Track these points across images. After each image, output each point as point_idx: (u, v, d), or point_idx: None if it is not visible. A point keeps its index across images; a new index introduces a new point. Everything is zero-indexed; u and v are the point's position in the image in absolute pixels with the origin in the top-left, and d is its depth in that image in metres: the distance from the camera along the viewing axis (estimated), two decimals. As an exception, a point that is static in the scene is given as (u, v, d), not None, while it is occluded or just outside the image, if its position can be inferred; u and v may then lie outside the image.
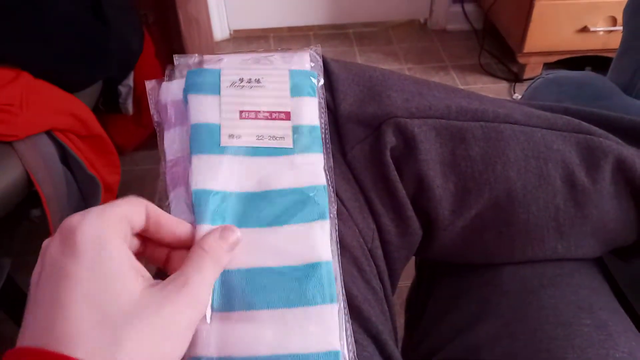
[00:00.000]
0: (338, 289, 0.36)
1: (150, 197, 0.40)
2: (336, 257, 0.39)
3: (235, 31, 2.20)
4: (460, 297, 0.53)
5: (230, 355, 0.32)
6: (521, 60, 1.83)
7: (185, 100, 0.39)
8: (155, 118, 0.40)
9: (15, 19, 0.96)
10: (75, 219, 0.28)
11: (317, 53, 0.45)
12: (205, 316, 0.32)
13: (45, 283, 0.27)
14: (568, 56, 1.82)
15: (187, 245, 0.34)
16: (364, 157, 0.46)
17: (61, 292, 0.26)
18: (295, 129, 0.39)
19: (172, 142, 0.39)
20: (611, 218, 0.48)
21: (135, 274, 0.28)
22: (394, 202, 0.46)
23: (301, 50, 0.45)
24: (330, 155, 0.42)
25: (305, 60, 0.45)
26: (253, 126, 0.38)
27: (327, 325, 0.34)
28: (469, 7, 2.14)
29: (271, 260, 0.35)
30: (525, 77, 1.88)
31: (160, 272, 0.37)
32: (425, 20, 2.26)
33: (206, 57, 0.46)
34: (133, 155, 1.54)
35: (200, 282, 0.29)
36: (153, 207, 0.33)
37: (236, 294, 0.33)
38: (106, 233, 0.28)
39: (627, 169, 0.46)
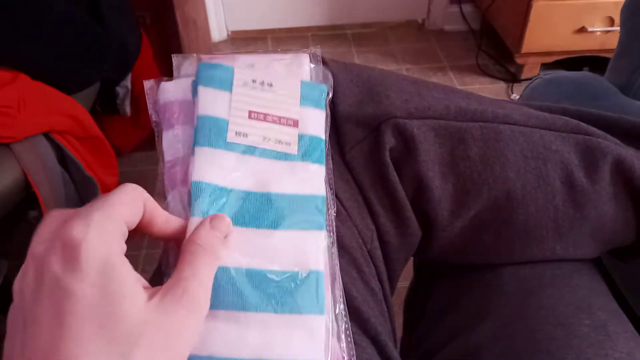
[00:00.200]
0: (336, 294, 0.36)
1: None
2: (335, 258, 0.39)
3: (233, 32, 2.20)
4: (460, 298, 0.53)
5: (211, 355, 0.31)
6: (519, 60, 1.83)
7: (195, 92, 0.39)
8: (154, 118, 0.40)
9: (13, 20, 0.96)
10: (76, 231, 0.26)
11: (316, 54, 0.45)
12: None
13: (47, 301, 0.25)
14: (566, 56, 1.83)
15: (179, 239, 0.33)
16: (363, 158, 0.46)
17: (66, 313, 0.25)
18: (301, 138, 0.39)
19: (170, 142, 0.39)
20: (610, 219, 0.48)
21: (139, 289, 0.27)
22: (393, 202, 0.46)
23: (300, 52, 0.45)
24: (330, 165, 0.42)
25: (305, 62, 0.45)
26: (261, 127, 0.38)
27: (313, 335, 0.33)
28: (467, 8, 2.15)
29: (264, 262, 0.34)
30: (523, 77, 1.88)
31: (158, 271, 0.37)
32: (422, 20, 2.26)
33: (204, 57, 0.45)
34: (131, 156, 1.54)
35: (198, 286, 0.29)
36: (150, 202, 0.31)
37: (225, 293, 0.32)
38: (112, 249, 0.27)
39: (625, 169, 0.46)
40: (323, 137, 0.41)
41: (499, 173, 0.46)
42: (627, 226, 0.49)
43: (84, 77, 1.12)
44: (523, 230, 0.48)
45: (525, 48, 1.76)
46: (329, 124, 0.42)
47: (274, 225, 0.36)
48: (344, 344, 0.37)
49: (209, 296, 0.30)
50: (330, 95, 0.44)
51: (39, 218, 0.97)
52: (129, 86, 1.30)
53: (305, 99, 0.41)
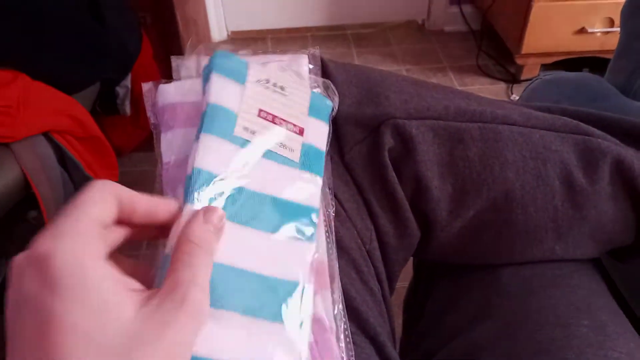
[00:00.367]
0: (335, 295, 0.36)
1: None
2: (334, 258, 0.39)
3: (233, 32, 2.20)
4: (459, 298, 0.53)
5: (202, 356, 0.30)
6: (519, 61, 1.83)
7: (206, 78, 0.38)
8: (152, 120, 0.40)
9: (13, 21, 0.96)
10: (46, 244, 0.24)
11: (315, 55, 0.45)
12: None
13: (30, 322, 0.23)
14: (565, 57, 1.83)
15: (168, 226, 0.31)
16: (362, 159, 0.46)
17: (51, 334, 0.23)
18: (305, 147, 0.39)
19: (169, 144, 0.39)
20: (609, 219, 0.48)
21: (126, 295, 0.25)
22: (392, 203, 0.46)
23: (299, 53, 0.45)
24: (329, 166, 0.42)
25: (304, 63, 0.45)
26: (268, 128, 0.38)
27: (291, 347, 0.32)
28: (467, 8, 2.15)
29: (253, 263, 0.33)
30: (522, 78, 1.88)
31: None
32: (423, 21, 2.26)
33: (204, 57, 0.46)
34: (131, 156, 1.54)
35: (200, 291, 0.26)
36: (126, 192, 0.29)
37: (212, 289, 0.30)
38: (86, 258, 0.24)
39: (625, 169, 0.46)
40: (324, 150, 0.41)
41: (498, 173, 0.46)
42: (626, 226, 0.49)
43: (84, 77, 1.12)
44: (522, 231, 0.48)
45: (525, 49, 1.76)
46: (329, 139, 0.42)
47: (269, 228, 0.35)
48: (342, 344, 0.37)
49: (209, 300, 0.28)
50: (335, 112, 0.44)
51: (39, 218, 0.97)
52: (129, 86, 1.30)
53: (313, 110, 0.41)
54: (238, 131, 0.36)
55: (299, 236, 0.36)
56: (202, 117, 0.36)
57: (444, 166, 0.46)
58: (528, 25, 1.70)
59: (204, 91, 0.37)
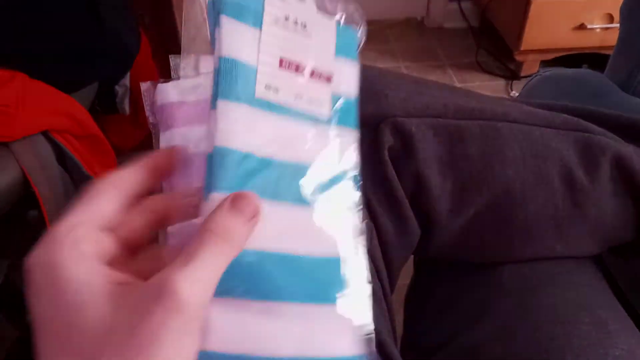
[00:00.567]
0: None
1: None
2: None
3: (232, 30, 2.19)
4: (460, 296, 0.53)
5: (245, 353, 0.26)
6: (518, 57, 1.83)
7: (214, 22, 0.31)
8: (151, 120, 0.40)
9: (11, 19, 0.96)
10: (35, 248, 0.24)
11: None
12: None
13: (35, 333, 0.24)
14: (565, 54, 1.82)
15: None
16: (362, 157, 0.46)
17: (36, 335, 0.23)
18: (335, 98, 0.33)
19: (168, 144, 0.38)
20: (610, 216, 0.48)
21: (99, 291, 0.23)
22: (392, 201, 0.46)
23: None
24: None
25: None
26: (293, 81, 0.31)
27: (350, 327, 0.29)
28: (466, 5, 2.14)
29: (298, 245, 0.29)
30: (522, 74, 1.88)
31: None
32: (422, 18, 2.25)
33: (203, 56, 0.45)
34: (131, 155, 1.54)
35: (188, 282, 0.22)
36: (126, 178, 0.27)
37: (256, 280, 0.27)
38: (51, 261, 0.23)
39: (625, 166, 0.46)
40: (355, 97, 0.34)
41: (498, 171, 0.46)
42: (626, 223, 0.49)
43: (83, 76, 1.11)
44: (523, 228, 0.48)
45: (524, 45, 1.76)
46: (357, 81, 0.36)
47: (305, 202, 0.30)
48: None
49: (208, 294, 0.24)
50: (362, 43, 0.36)
51: (39, 217, 0.97)
52: (128, 85, 1.29)
53: (340, 48, 0.33)
54: (260, 91, 0.30)
55: (341, 207, 0.31)
56: (215, 77, 0.30)
57: (444, 164, 0.46)
58: (527, 21, 1.70)
59: (214, 40, 0.31)
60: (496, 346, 0.45)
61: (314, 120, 0.32)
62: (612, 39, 0.78)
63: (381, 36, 2.17)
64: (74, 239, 0.24)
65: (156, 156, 0.29)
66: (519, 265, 0.50)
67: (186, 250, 0.24)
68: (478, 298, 0.51)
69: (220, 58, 0.30)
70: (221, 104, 0.29)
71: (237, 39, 0.30)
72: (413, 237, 0.48)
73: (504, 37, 1.91)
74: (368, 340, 0.30)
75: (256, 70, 0.30)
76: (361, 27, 0.37)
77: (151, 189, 0.28)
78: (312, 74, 0.32)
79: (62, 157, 1.00)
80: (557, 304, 0.46)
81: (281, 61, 0.31)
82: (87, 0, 1.07)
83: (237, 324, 0.27)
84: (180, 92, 0.41)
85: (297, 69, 0.32)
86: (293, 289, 0.28)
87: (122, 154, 1.49)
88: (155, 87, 0.41)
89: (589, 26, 1.70)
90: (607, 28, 1.72)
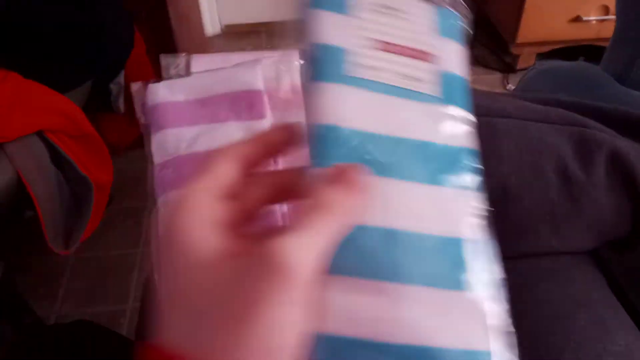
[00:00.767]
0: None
1: (144, 197, 0.40)
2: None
3: (227, 26, 2.19)
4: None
5: (362, 337, 0.25)
6: (514, 51, 1.82)
7: (303, 16, 0.32)
8: (142, 121, 0.40)
9: (2, 19, 0.95)
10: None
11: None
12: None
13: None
14: (561, 46, 1.82)
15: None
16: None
17: (159, 293, 0.26)
18: (443, 77, 0.32)
19: (160, 145, 0.38)
20: (606, 210, 0.48)
21: (213, 255, 0.24)
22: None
23: (290, 48, 0.44)
24: None
25: (295, 58, 0.44)
26: (390, 61, 0.31)
27: (478, 318, 0.27)
28: (462, -2, 2.13)
29: (414, 223, 0.28)
30: (518, 67, 1.87)
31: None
32: (417, 12, 2.25)
33: (194, 56, 0.45)
34: (127, 153, 1.53)
35: (285, 249, 0.22)
36: (242, 149, 0.28)
37: (373, 259, 0.26)
38: (176, 222, 0.25)
39: (621, 161, 0.46)
40: (466, 77, 0.33)
41: (494, 167, 0.45)
42: (622, 218, 0.49)
43: (76, 75, 1.11)
44: (518, 224, 0.47)
45: (520, 38, 1.76)
46: (466, 62, 0.34)
47: (420, 178, 0.29)
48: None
49: (317, 266, 0.23)
50: (467, 32, 0.36)
51: (35, 218, 0.96)
52: (123, 83, 1.29)
53: (443, 30, 0.33)
54: (352, 70, 0.30)
55: (456, 184, 0.30)
56: (309, 62, 0.30)
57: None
58: (523, 14, 1.69)
59: (303, 31, 0.32)
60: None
61: (419, 98, 0.31)
62: (608, 31, 0.77)
63: (377, 30, 2.16)
64: (194, 204, 0.25)
65: (273, 131, 0.29)
66: (515, 261, 0.50)
67: (294, 221, 0.23)
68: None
69: (313, 45, 0.30)
70: (320, 84, 0.29)
71: (329, 26, 0.31)
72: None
73: (499, 31, 1.91)
74: (505, 334, 0.27)
75: (351, 53, 0.30)
76: (465, 12, 0.36)
77: (264, 164, 0.29)
78: (410, 53, 0.31)
79: (56, 157, 0.99)
80: (554, 300, 0.46)
81: (376, 42, 0.31)
82: (80, -2, 1.06)
83: (354, 306, 0.25)
84: (171, 92, 0.40)
85: (395, 49, 0.31)
86: (412, 270, 0.26)
87: (118, 153, 1.49)
88: (146, 87, 0.40)
89: (584, 18, 1.70)
90: (602, 20, 1.72)
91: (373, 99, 0.30)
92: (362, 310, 0.25)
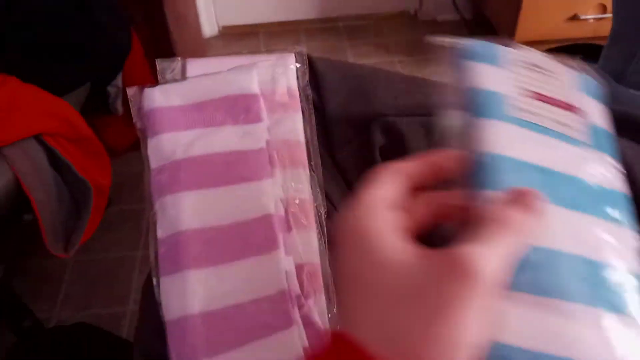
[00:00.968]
0: (331, 297, 0.35)
1: (143, 199, 0.40)
2: (327, 260, 0.39)
3: (225, 27, 2.18)
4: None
5: (540, 351, 0.27)
6: (512, 49, 1.82)
7: (458, 65, 0.36)
8: (139, 125, 0.40)
9: (0, 23, 0.95)
10: (339, 217, 0.29)
11: (302, 53, 0.45)
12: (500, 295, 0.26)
13: (336, 283, 0.30)
14: (559, 45, 1.82)
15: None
16: (354, 157, 0.45)
17: (342, 291, 0.27)
18: (592, 128, 0.35)
19: (156, 149, 0.38)
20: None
21: (401, 257, 0.26)
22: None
23: (286, 52, 0.44)
24: (320, 164, 0.41)
25: (291, 62, 0.44)
26: (541, 107, 0.35)
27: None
28: (459, -3, 2.14)
29: (591, 251, 0.30)
30: (516, 66, 1.87)
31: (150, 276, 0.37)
32: (415, 11, 2.24)
33: (190, 60, 0.45)
34: (125, 155, 1.53)
35: (474, 255, 0.24)
36: (409, 168, 0.30)
37: (549, 278, 0.28)
38: (361, 224, 0.27)
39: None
40: (611, 131, 0.37)
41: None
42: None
43: (74, 79, 1.11)
44: None
45: (518, 37, 1.75)
46: (611, 122, 0.38)
47: (591, 211, 0.31)
48: None
49: (499, 270, 0.25)
50: (606, 98, 0.40)
51: (34, 221, 0.96)
52: (120, 85, 1.28)
53: (584, 89, 0.37)
54: (513, 112, 0.34)
55: (621, 223, 0.33)
56: (469, 103, 0.34)
57: (436, 163, 0.46)
58: (521, 13, 1.69)
59: (460, 78, 0.36)
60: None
61: (571, 141, 0.34)
62: (606, 29, 0.78)
63: (375, 30, 2.16)
64: (376, 210, 0.28)
65: (440, 156, 0.31)
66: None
67: (475, 234, 0.25)
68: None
69: (474, 90, 0.34)
70: (481, 121, 0.33)
71: (487, 76, 0.35)
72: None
73: (497, 29, 1.91)
74: None
75: (508, 97, 0.34)
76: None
77: (428, 184, 0.31)
78: (559, 104, 0.36)
79: (55, 160, 0.99)
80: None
81: (528, 92, 0.35)
82: (77, 1, 1.06)
83: (531, 320, 0.27)
84: (167, 96, 0.40)
85: (545, 99, 0.35)
86: (580, 290, 0.28)
87: (116, 155, 1.48)
88: (142, 92, 0.40)
89: (582, 17, 1.70)
90: (600, 18, 1.71)
91: (532, 136, 0.33)
92: (540, 326, 0.27)
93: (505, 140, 0.32)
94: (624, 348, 0.28)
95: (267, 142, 0.42)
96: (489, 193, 0.29)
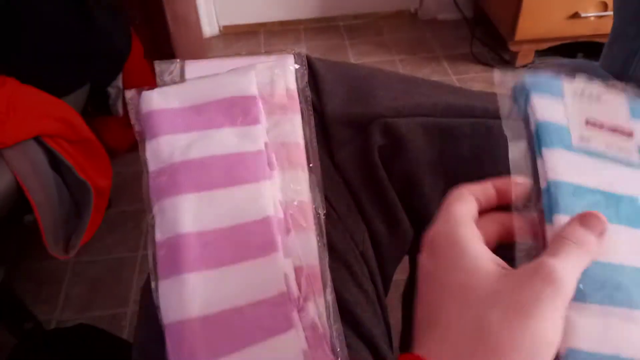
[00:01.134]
0: (327, 299, 0.35)
1: (143, 199, 0.40)
2: (326, 263, 0.39)
3: (225, 27, 2.18)
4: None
5: (610, 353, 0.30)
6: (513, 48, 1.82)
7: (523, 99, 0.40)
8: (137, 128, 0.40)
9: (0, 25, 0.95)
10: (429, 230, 0.33)
11: (301, 54, 0.45)
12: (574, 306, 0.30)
13: (421, 287, 0.32)
14: (560, 43, 1.81)
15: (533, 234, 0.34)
16: (353, 159, 0.45)
17: (431, 290, 0.31)
18: None
19: (154, 152, 0.38)
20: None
21: (490, 267, 0.29)
22: (384, 202, 0.46)
23: (284, 53, 0.44)
24: (319, 166, 0.41)
25: (290, 63, 0.44)
26: (600, 134, 0.39)
27: None
28: (459, -4, 2.13)
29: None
30: (517, 64, 1.87)
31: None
32: (415, 10, 2.24)
33: (188, 61, 0.45)
34: (126, 156, 1.54)
35: (557, 265, 0.28)
36: (479, 190, 0.35)
37: (613, 288, 0.32)
38: (455, 234, 0.31)
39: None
40: None
41: (490, 169, 0.45)
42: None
43: (74, 80, 1.11)
44: None
45: (518, 35, 1.75)
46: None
47: None
48: (338, 348, 0.37)
49: (573, 281, 0.29)
50: None
51: (34, 223, 0.96)
52: (121, 86, 1.28)
53: (633, 113, 0.41)
54: (576, 141, 0.38)
55: None
56: (538, 135, 0.38)
57: (435, 164, 0.45)
58: (521, 11, 1.69)
59: (525, 112, 0.40)
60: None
61: (627, 164, 0.38)
62: (607, 27, 0.77)
63: (375, 29, 2.16)
64: (470, 223, 0.32)
65: (506, 182, 0.35)
66: (511, 262, 0.50)
67: (554, 251, 0.30)
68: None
69: (537, 122, 0.38)
70: (546, 151, 0.37)
71: (548, 107, 0.39)
72: (406, 238, 0.48)
73: (498, 28, 1.90)
74: None
75: (569, 127, 0.38)
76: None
77: (492, 207, 0.35)
78: (614, 130, 0.39)
79: (55, 161, 0.99)
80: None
81: (586, 121, 0.39)
82: (78, 1, 1.06)
83: (599, 326, 0.30)
84: (165, 99, 0.40)
85: (601, 126, 0.39)
86: None
87: (117, 155, 1.49)
88: (139, 94, 0.40)
89: (582, 15, 1.70)
90: (601, 16, 1.71)
91: (592, 162, 0.37)
92: (609, 331, 0.31)
93: (567, 168, 0.36)
94: None
95: (266, 144, 0.42)
96: (558, 217, 0.33)
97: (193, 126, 0.41)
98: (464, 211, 0.33)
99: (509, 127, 0.40)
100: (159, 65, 0.42)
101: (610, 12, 1.65)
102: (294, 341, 0.36)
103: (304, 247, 0.40)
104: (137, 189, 1.53)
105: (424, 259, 0.32)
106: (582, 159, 0.37)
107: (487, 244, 0.32)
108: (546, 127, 0.38)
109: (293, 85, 0.45)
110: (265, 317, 0.37)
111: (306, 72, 0.46)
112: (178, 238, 0.37)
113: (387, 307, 0.48)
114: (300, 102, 0.45)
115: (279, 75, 0.45)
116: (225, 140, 0.41)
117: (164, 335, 0.36)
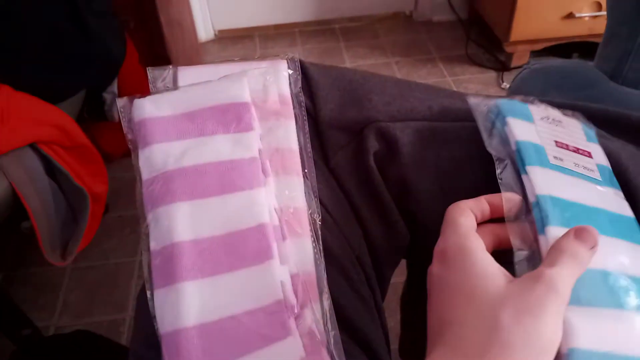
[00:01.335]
0: (324, 305, 0.35)
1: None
2: (322, 269, 0.39)
3: (220, 31, 2.18)
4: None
5: (609, 351, 0.32)
6: (508, 49, 1.82)
7: (503, 122, 0.44)
8: (129, 136, 0.39)
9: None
10: (439, 242, 0.36)
11: (294, 59, 0.44)
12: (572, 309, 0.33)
13: (433, 294, 0.35)
14: (555, 43, 1.82)
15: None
16: (348, 163, 0.45)
17: (444, 298, 0.33)
18: (599, 167, 0.44)
19: (147, 160, 0.38)
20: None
21: (497, 272, 0.33)
22: (380, 207, 0.46)
23: (278, 58, 0.44)
24: (314, 172, 0.41)
25: (283, 68, 0.44)
26: (568, 154, 0.43)
27: None
28: (454, -3, 2.14)
29: (633, 268, 0.37)
30: (512, 65, 1.87)
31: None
32: (410, 12, 2.24)
33: (181, 68, 0.45)
34: (122, 162, 1.53)
35: (556, 273, 0.31)
36: (475, 204, 0.38)
37: (603, 292, 0.35)
38: (466, 244, 0.34)
39: (612, 163, 0.46)
40: (609, 169, 0.45)
41: (485, 173, 0.45)
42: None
43: (68, 86, 1.10)
44: None
45: (513, 36, 1.75)
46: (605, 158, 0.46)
47: (622, 236, 0.39)
48: (335, 355, 0.37)
49: (569, 288, 0.32)
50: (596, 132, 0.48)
51: (31, 229, 0.96)
52: (116, 92, 1.28)
53: (588, 136, 0.47)
54: (552, 160, 0.42)
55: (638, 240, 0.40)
56: (517, 154, 0.42)
57: (431, 167, 0.45)
58: (515, 12, 1.69)
59: (504, 133, 0.44)
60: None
61: (593, 180, 0.42)
62: (601, 27, 0.77)
63: (370, 31, 2.16)
64: (475, 234, 0.35)
65: (498, 198, 0.39)
66: (509, 265, 0.50)
67: (552, 260, 0.33)
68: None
69: (517, 141, 0.42)
70: (530, 168, 0.41)
71: (523, 129, 0.44)
72: (402, 241, 0.48)
73: (493, 29, 1.90)
74: None
75: (544, 147, 0.43)
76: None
77: (486, 219, 0.39)
78: (577, 150, 0.44)
79: (50, 168, 0.99)
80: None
81: (555, 142, 0.44)
82: (70, 8, 1.06)
83: (596, 326, 0.33)
84: (157, 106, 0.40)
85: (567, 147, 0.44)
86: (635, 301, 0.35)
87: (113, 160, 1.48)
88: (131, 102, 0.40)
89: (577, 15, 1.70)
90: (595, 16, 1.71)
91: (566, 179, 0.41)
92: (604, 330, 0.33)
93: (550, 184, 0.40)
94: None
95: (260, 151, 0.42)
96: (549, 228, 0.37)
97: (186, 134, 0.41)
98: (468, 224, 0.36)
99: (493, 147, 0.43)
100: (151, 72, 0.42)
101: (604, 12, 1.66)
102: (291, 349, 0.36)
103: (300, 253, 0.40)
104: (134, 194, 1.52)
105: (436, 268, 0.35)
106: (560, 175, 0.41)
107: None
108: (526, 147, 0.42)
109: (286, 91, 0.45)
110: (262, 325, 0.36)
111: (299, 77, 0.46)
112: (173, 246, 0.37)
113: (384, 311, 0.48)
114: (294, 108, 0.45)
115: (272, 81, 0.44)
116: (218, 147, 0.41)
117: (161, 344, 0.35)
